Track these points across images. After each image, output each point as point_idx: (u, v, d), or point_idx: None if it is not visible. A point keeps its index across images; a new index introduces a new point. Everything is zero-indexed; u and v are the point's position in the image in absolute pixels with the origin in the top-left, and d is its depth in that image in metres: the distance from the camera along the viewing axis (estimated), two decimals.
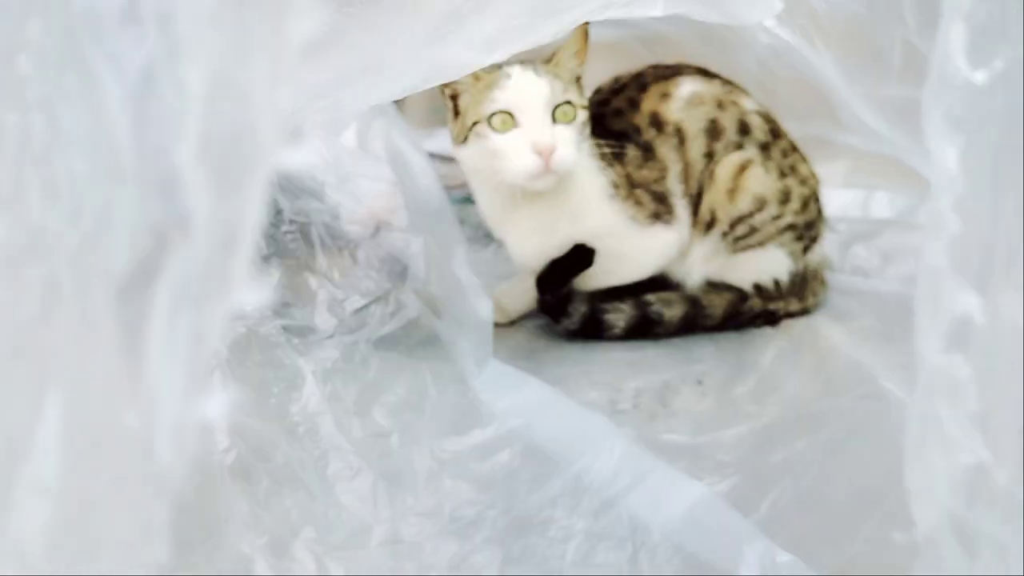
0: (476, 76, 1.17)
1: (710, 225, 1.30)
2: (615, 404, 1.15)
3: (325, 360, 1.01)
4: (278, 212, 1.09)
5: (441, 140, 1.53)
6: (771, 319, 1.36)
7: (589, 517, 0.85)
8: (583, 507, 0.87)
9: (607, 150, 1.27)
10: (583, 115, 1.19)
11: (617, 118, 1.32)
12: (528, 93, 1.14)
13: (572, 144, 1.17)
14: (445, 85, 1.20)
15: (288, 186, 1.16)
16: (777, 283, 1.35)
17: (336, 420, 0.95)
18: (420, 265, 1.16)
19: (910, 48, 0.95)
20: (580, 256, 1.27)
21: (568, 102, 1.16)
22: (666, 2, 0.93)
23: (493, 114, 1.15)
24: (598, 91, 1.38)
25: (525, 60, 1.19)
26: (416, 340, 1.11)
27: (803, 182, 1.33)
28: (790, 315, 1.37)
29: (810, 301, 1.39)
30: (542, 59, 1.21)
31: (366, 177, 1.24)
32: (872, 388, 1.06)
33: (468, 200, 1.26)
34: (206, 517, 0.77)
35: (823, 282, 1.43)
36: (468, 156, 1.22)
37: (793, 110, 1.42)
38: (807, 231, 1.35)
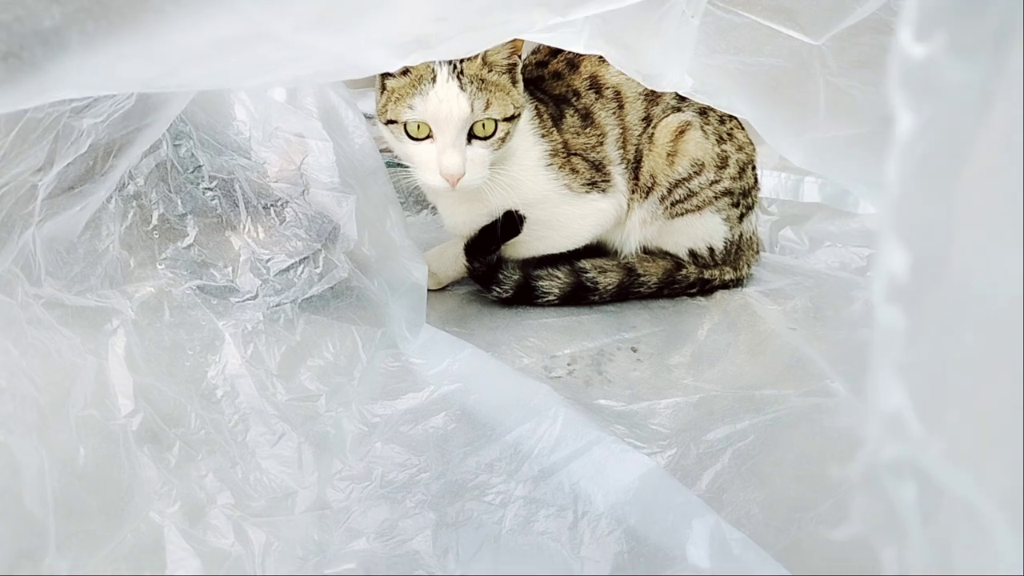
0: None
1: (649, 190, 1.25)
2: (550, 370, 1.10)
3: (246, 322, 0.93)
4: (196, 168, 1.01)
5: (367, 102, 1.45)
6: (705, 288, 1.33)
7: (528, 484, 0.80)
8: (522, 473, 0.81)
9: (546, 116, 1.22)
10: (503, 129, 1.11)
11: (555, 81, 1.27)
12: (447, 109, 1.06)
13: (482, 166, 1.11)
14: None
15: (209, 141, 1.07)
16: (712, 250, 1.32)
17: (258, 383, 0.87)
18: (352, 225, 1.08)
19: (834, 90, 0.92)
20: (508, 224, 1.22)
21: (489, 118, 1.09)
22: (587, 44, 0.88)
23: (408, 120, 1.09)
24: (536, 51, 1.33)
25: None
26: (346, 303, 1.04)
27: (740, 148, 1.30)
28: (724, 285, 1.34)
29: (743, 271, 1.37)
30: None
31: (296, 133, 1.15)
32: (819, 386, 1.02)
33: (399, 164, 1.19)
34: (107, 485, 0.69)
35: (756, 252, 1.41)
36: (389, 140, 1.16)
37: None
38: (743, 198, 1.32)
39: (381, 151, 1.26)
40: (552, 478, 0.80)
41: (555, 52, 1.30)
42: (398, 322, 1.10)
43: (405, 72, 1.10)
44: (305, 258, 1.04)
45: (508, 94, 1.12)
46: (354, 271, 1.06)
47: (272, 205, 1.08)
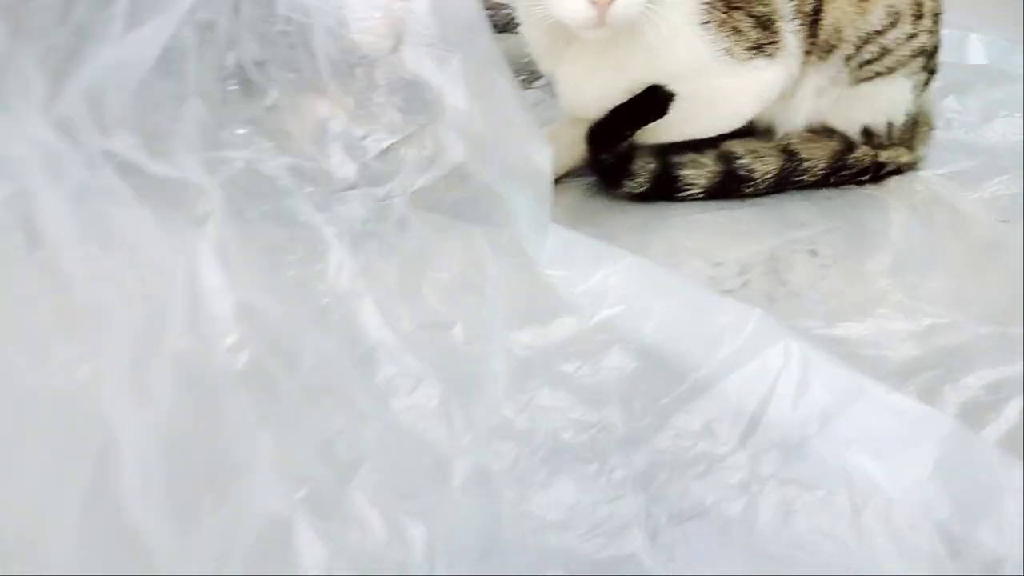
0: None
1: (831, 48, 1.02)
2: (719, 282, 0.90)
3: (352, 220, 0.72)
4: (270, 2, 0.77)
5: None
6: (878, 174, 1.11)
7: (774, 456, 0.60)
8: (758, 441, 0.62)
9: None
10: None
11: None
12: None
13: None
14: None
15: None
16: (891, 126, 1.10)
17: (379, 305, 0.67)
18: (459, 92, 0.86)
19: None
20: (653, 104, 0.98)
21: None
22: None
23: None
24: None
25: None
26: (464, 196, 0.82)
27: None
28: (899, 169, 1.13)
29: (919, 152, 1.15)
30: None
31: None
32: None
33: (501, 28, 0.95)
34: (213, 454, 0.50)
35: (931, 128, 1.19)
36: None
37: None
38: (931, 59, 1.09)
39: None
40: (806, 448, 0.61)
41: None
42: (523, 220, 0.89)
43: None
44: (408, 136, 0.82)
45: None
46: (470, 153, 0.84)
47: (358, 64, 0.86)
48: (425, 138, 0.83)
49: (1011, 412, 0.68)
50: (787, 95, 1.05)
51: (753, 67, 1.00)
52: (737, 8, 0.99)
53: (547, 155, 0.93)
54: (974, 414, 0.69)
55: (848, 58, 1.02)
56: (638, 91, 0.98)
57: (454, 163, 0.83)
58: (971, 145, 1.23)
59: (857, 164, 1.09)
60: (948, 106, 1.35)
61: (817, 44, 1.02)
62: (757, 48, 1.00)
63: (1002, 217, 1.03)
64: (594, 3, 0.85)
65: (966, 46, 1.46)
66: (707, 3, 0.97)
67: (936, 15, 1.07)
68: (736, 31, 0.98)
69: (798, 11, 1.01)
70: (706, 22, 0.97)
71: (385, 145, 0.80)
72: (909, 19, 1.02)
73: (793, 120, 1.07)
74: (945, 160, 1.18)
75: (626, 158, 1.03)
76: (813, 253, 0.96)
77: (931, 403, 0.70)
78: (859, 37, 1.01)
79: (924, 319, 0.83)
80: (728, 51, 0.98)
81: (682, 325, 0.74)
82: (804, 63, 1.03)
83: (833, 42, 1.01)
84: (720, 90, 1.01)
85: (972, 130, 1.30)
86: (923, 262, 0.94)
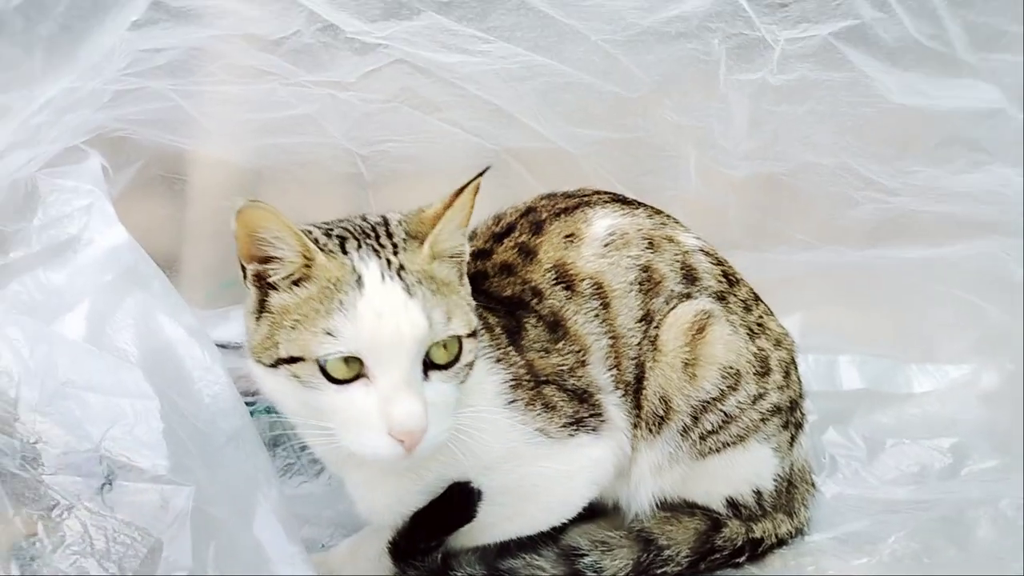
0: (305, 253, 0.71)
1: (662, 420, 0.88)
2: None
3: None
4: None
5: (234, 325, 1.06)
6: (757, 552, 0.94)
7: None
8: None
9: (498, 330, 0.85)
10: (469, 349, 0.75)
11: (505, 278, 0.90)
12: (393, 329, 0.70)
13: (447, 410, 0.74)
14: (253, 255, 0.73)
15: None
16: (760, 495, 0.94)
17: None
18: (184, 540, 0.67)
19: None
20: (458, 505, 0.81)
21: (453, 335, 0.73)
22: None
23: (329, 357, 0.70)
24: (472, 238, 0.96)
25: (374, 230, 0.77)
26: None
27: (778, 343, 0.95)
28: (781, 541, 0.96)
29: (802, 515, 1.00)
30: (409, 221, 0.77)
31: (97, 391, 0.77)
32: None
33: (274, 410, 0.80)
34: None
35: (812, 486, 1.04)
36: (277, 390, 0.75)
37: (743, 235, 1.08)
38: (791, 414, 0.96)
39: (248, 394, 0.88)
40: None
41: (499, 237, 0.94)
42: None
43: (298, 281, 0.72)
44: None
45: (461, 296, 0.77)
46: None
47: (44, 515, 0.67)
48: None
49: None
50: (624, 472, 0.89)
51: (576, 445, 0.85)
52: (547, 383, 0.85)
53: None
54: None
55: (685, 430, 0.87)
56: (437, 491, 0.80)
57: None
58: (861, 498, 1.09)
59: (729, 544, 0.92)
60: (830, 440, 1.22)
61: (642, 417, 0.88)
62: (577, 423, 0.85)
63: None
64: (402, 441, 0.70)
65: (837, 370, 1.36)
66: (512, 380, 0.83)
67: (787, 365, 0.95)
68: (549, 407, 0.84)
69: (618, 380, 0.87)
70: (512, 401, 0.82)
71: None
72: (752, 378, 0.89)
73: (636, 500, 0.90)
74: (832, 518, 1.03)
75: (441, 572, 0.83)
76: None
77: None
78: (693, 406, 0.87)
79: None
80: (543, 431, 0.83)
81: None
82: (634, 437, 0.88)
83: (661, 414, 0.87)
84: (542, 477, 0.85)
85: (859, 470, 1.16)
86: None
